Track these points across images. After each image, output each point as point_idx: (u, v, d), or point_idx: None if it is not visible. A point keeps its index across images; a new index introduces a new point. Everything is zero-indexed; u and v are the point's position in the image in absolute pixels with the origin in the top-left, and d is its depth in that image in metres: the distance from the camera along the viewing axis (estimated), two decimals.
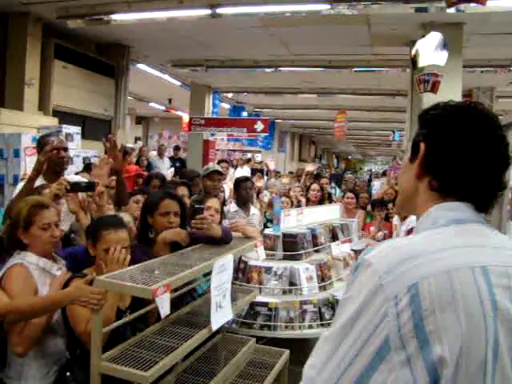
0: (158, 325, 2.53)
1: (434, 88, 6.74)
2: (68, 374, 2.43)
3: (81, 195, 3.36)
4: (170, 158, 12.88)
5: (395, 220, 5.60)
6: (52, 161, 3.56)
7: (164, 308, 2.03)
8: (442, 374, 0.90)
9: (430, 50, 6.84)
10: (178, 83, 13.55)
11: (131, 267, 2.32)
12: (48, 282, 2.61)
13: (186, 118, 17.33)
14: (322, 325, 3.70)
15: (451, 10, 6.09)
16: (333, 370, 0.97)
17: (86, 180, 3.54)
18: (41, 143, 3.77)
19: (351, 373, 0.95)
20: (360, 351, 0.95)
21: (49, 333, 2.53)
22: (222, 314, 2.63)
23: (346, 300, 1.01)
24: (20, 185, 3.68)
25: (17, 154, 6.56)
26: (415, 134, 1.20)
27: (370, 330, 0.94)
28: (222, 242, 2.98)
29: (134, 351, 2.21)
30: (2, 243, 2.74)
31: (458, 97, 7.24)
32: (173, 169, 11.77)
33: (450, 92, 6.78)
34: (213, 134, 12.37)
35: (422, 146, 1.13)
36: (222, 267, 2.59)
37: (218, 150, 15.02)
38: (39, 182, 3.48)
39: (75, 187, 3.24)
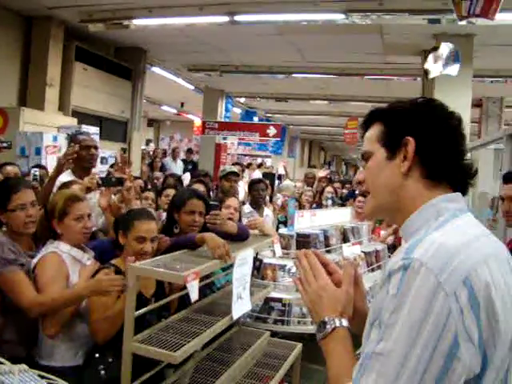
0: (182, 313, 2.69)
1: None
2: (97, 355, 2.58)
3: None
4: (183, 161, 13.07)
5: None
6: (82, 158, 3.74)
7: (193, 293, 2.21)
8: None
9: (441, 61, 6.98)
10: (191, 87, 13.74)
11: (162, 256, 2.50)
12: (78, 271, 2.79)
13: (197, 121, 17.54)
14: None
15: (462, 22, 6.25)
16: None
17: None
18: (73, 141, 3.96)
19: (427, 381, 0.95)
20: (433, 355, 0.95)
21: (77, 317, 2.68)
22: (241, 305, 2.79)
23: (400, 306, 0.99)
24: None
25: (38, 151, 6.79)
26: (385, 132, 1.24)
27: (440, 330, 0.95)
28: (238, 238, 3.13)
29: (161, 335, 2.35)
30: (35, 233, 2.93)
31: (468, 105, 7.40)
32: (188, 173, 11.92)
33: (460, 100, 6.97)
34: (225, 138, 12.55)
35: (412, 140, 1.17)
36: (243, 260, 2.76)
37: (228, 153, 15.21)
38: (69, 177, 3.66)
39: (106, 182, 3.43)
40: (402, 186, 1.20)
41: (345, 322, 1.22)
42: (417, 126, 1.19)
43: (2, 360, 1.69)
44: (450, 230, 1.10)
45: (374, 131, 1.28)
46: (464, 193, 1.22)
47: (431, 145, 1.18)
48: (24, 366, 1.63)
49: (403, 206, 1.21)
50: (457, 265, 0.99)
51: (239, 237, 3.15)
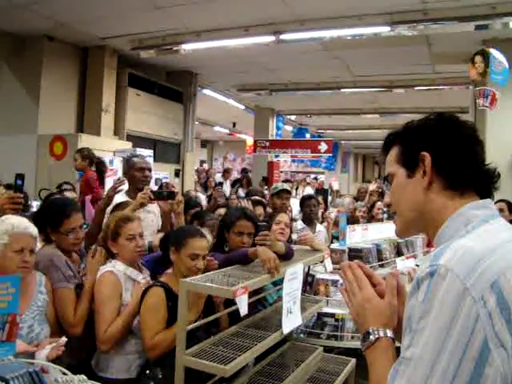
0: (233, 328, 2.73)
1: (493, 104, 6.67)
2: (148, 371, 2.65)
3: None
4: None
5: None
6: (136, 179, 3.90)
7: (243, 307, 2.26)
8: None
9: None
10: (242, 107, 13.92)
11: (213, 272, 2.57)
12: (131, 289, 2.89)
13: (249, 140, 17.73)
14: None
15: None
16: None
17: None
18: (128, 163, 4.13)
19: None
20: (462, 361, 0.94)
21: (129, 334, 2.80)
22: (292, 320, 2.82)
23: (427, 312, 1.00)
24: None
25: None
26: (402, 152, 1.28)
27: (468, 335, 0.94)
28: (285, 257, 3.11)
29: (212, 349, 2.40)
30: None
31: None
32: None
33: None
34: (277, 156, 12.64)
35: (427, 155, 1.20)
36: (294, 275, 2.80)
37: (281, 171, 15.27)
38: (123, 198, 3.81)
39: (158, 196, 3.55)
40: (427, 201, 1.22)
41: (389, 333, 1.23)
42: (430, 140, 1.22)
43: (65, 370, 1.80)
44: (477, 235, 1.10)
45: (393, 153, 1.33)
46: (488, 197, 1.22)
47: (446, 156, 1.20)
48: (83, 377, 1.74)
49: (431, 220, 1.23)
50: (484, 269, 0.98)
51: (286, 256, 3.16)
